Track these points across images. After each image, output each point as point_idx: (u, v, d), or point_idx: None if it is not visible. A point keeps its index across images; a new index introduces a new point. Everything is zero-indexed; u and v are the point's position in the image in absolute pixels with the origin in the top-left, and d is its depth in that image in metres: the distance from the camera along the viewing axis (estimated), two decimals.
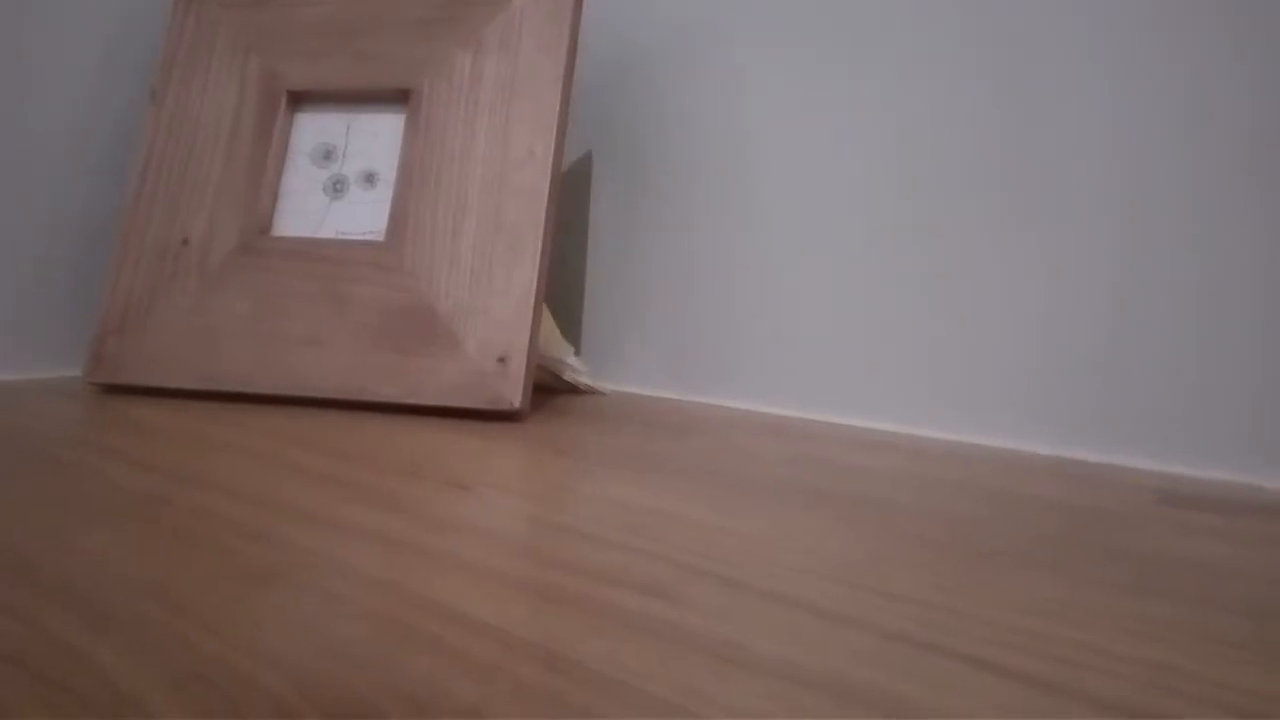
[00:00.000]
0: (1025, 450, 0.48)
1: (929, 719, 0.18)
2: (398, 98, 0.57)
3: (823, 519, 0.32)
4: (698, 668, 0.20)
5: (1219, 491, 0.40)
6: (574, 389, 0.64)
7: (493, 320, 0.51)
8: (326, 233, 0.56)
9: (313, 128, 0.58)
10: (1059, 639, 0.22)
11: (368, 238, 0.55)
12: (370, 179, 0.56)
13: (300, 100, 0.58)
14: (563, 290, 0.70)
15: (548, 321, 0.59)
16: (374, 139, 0.57)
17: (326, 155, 0.57)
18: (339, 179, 0.57)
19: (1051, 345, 0.48)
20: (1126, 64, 0.46)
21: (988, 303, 0.50)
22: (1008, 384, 0.49)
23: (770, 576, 0.26)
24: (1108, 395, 0.46)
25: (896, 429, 0.53)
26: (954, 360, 0.51)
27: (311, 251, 0.54)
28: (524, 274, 0.51)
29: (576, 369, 0.62)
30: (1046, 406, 0.48)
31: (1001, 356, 0.49)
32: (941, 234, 0.52)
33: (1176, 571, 0.28)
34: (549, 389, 0.64)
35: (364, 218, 0.56)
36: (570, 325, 0.69)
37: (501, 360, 0.50)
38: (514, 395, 0.50)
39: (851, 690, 0.19)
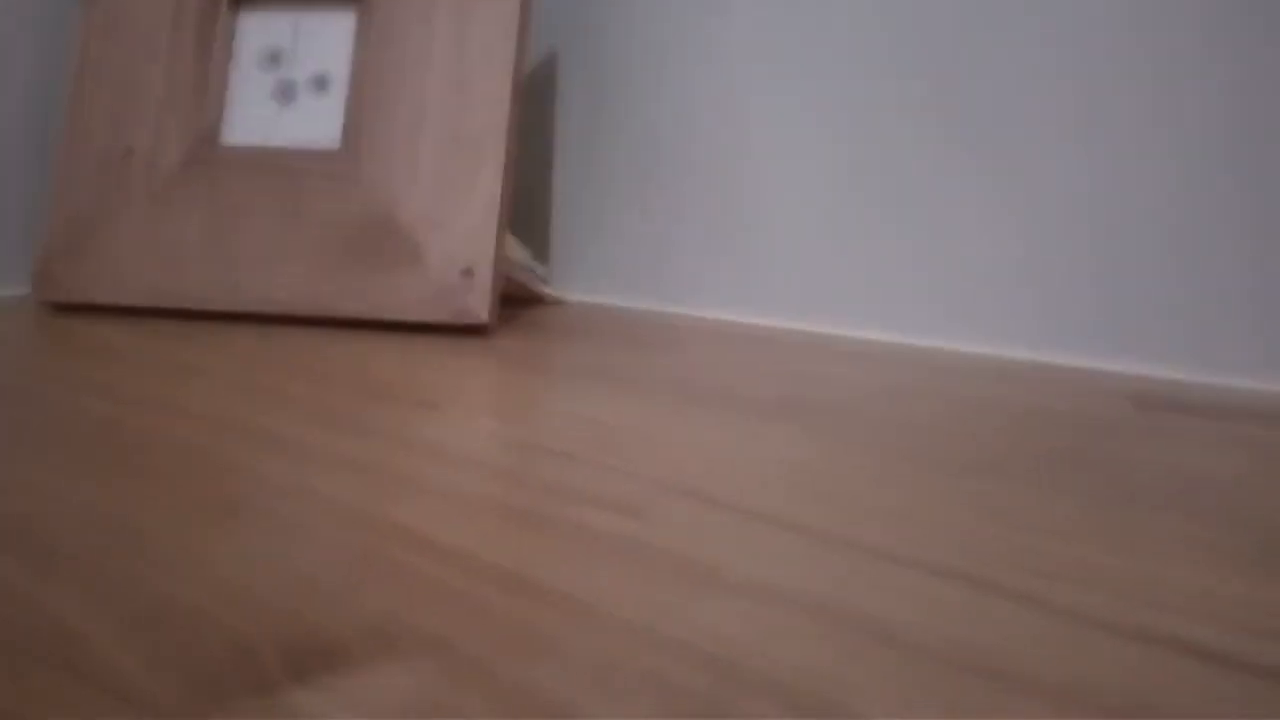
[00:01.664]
0: (1003, 355, 0.47)
1: (908, 638, 0.17)
2: None
3: (797, 432, 0.32)
4: (669, 589, 0.19)
5: (1196, 394, 0.40)
6: (541, 300, 0.63)
7: (456, 232, 0.49)
8: (278, 141, 0.53)
9: (258, 28, 0.55)
10: (1041, 551, 0.22)
11: (321, 146, 0.52)
12: (321, 84, 0.54)
13: None
14: (528, 199, 0.68)
15: (510, 235, 0.57)
16: (324, 41, 0.54)
17: (274, 58, 0.54)
18: (288, 84, 0.54)
19: (1028, 250, 0.47)
20: None
21: (963, 208, 0.49)
22: (984, 289, 0.48)
23: (744, 493, 0.25)
24: (1084, 299, 0.45)
25: (872, 336, 0.52)
26: (930, 266, 0.50)
27: (264, 162, 0.52)
28: (487, 183, 0.49)
29: (543, 279, 0.61)
30: (1023, 311, 0.47)
31: (977, 262, 0.48)
32: (917, 142, 0.50)
33: (1154, 478, 0.28)
34: (516, 300, 0.63)
35: (317, 125, 0.53)
36: (536, 235, 0.68)
37: (467, 273, 0.49)
38: (480, 309, 0.48)
39: (828, 609, 0.19)
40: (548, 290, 0.62)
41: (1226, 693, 0.16)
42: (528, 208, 0.68)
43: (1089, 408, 0.36)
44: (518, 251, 0.59)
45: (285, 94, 0.54)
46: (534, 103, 0.67)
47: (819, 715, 0.15)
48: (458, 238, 0.49)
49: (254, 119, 0.54)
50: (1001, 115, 0.47)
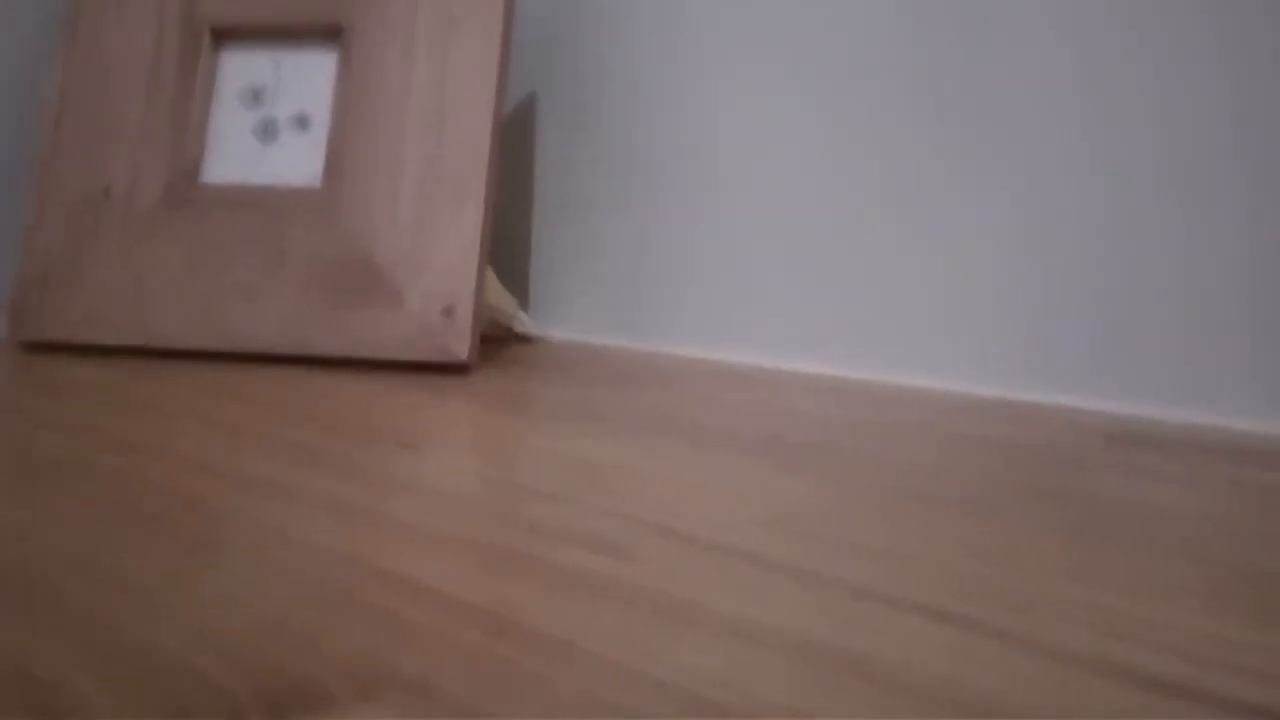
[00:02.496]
0: (976, 393, 0.48)
1: (889, 676, 0.18)
2: (328, 34, 0.54)
3: (776, 469, 0.32)
4: (652, 629, 0.19)
5: (1165, 431, 0.40)
6: (521, 338, 0.63)
7: (436, 270, 0.49)
8: (259, 179, 0.53)
9: (239, 67, 0.55)
10: (1013, 586, 0.22)
11: (302, 184, 0.52)
12: (303, 122, 0.54)
13: (225, 37, 0.55)
14: (508, 237, 0.68)
15: (488, 273, 0.58)
16: (305, 79, 0.54)
17: (255, 96, 0.55)
18: (269, 122, 0.54)
19: (999, 289, 0.48)
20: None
21: (936, 250, 0.50)
22: (957, 328, 0.49)
23: (724, 530, 0.25)
24: (1054, 336, 0.46)
25: (847, 374, 0.52)
26: (903, 305, 0.51)
27: (244, 200, 0.52)
28: (467, 221, 0.50)
29: (522, 319, 0.61)
30: (995, 349, 0.48)
31: (950, 301, 0.49)
32: (892, 182, 0.51)
33: (1126, 515, 0.28)
34: (496, 339, 0.63)
35: (298, 163, 0.53)
36: (516, 273, 0.68)
37: (447, 311, 0.49)
38: (461, 348, 0.48)
39: (810, 647, 0.19)
40: (528, 328, 0.62)
41: None
42: (507, 246, 0.68)
43: (1063, 444, 0.37)
44: (498, 289, 0.59)
45: (267, 132, 0.54)
46: (513, 142, 0.68)
47: None
48: (438, 276, 0.49)
49: (235, 157, 0.54)
50: (978, 160, 0.48)
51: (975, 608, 0.21)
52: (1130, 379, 0.44)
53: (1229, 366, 0.42)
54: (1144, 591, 0.22)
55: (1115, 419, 0.42)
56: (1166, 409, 0.43)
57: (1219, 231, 0.42)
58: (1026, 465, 0.33)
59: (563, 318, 0.65)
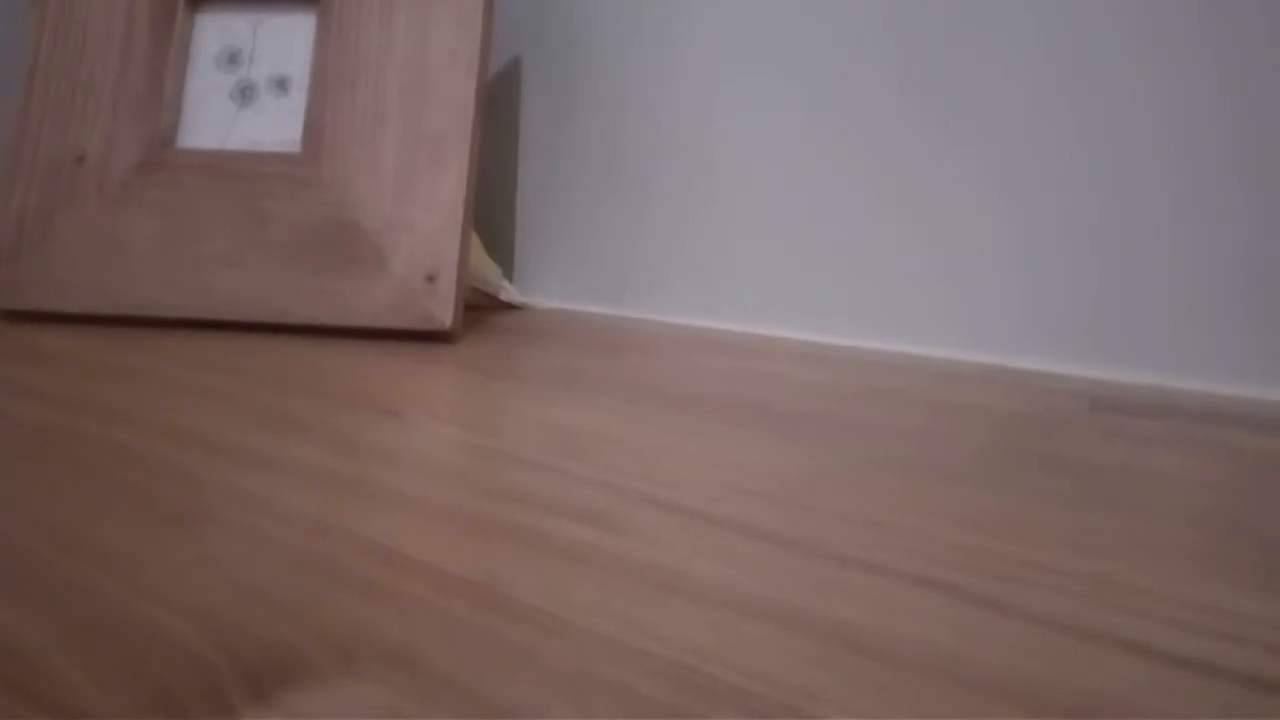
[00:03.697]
0: (961, 359, 0.48)
1: (876, 645, 0.17)
2: None
3: (763, 436, 0.32)
4: (637, 598, 0.19)
5: (1152, 397, 0.40)
6: (505, 306, 0.63)
7: (419, 236, 0.49)
8: (236, 144, 0.52)
9: (216, 29, 0.54)
10: (1004, 555, 0.22)
11: (281, 149, 0.51)
12: (282, 85, 0.53)
13: None
14: (492, 204, 0.68)
15: (474, 240, 0.57)
16: (284, 41, 0.53)
17: (232, 59, 0.53)
18: (247, 85, 0.53)
19: (985, 255, 0.47)
20: None
21: (922, 216, 0.49)
22: (942, 294, 0.49)
23: (711, 499, 0.25)
24: (1040, 303, 0.46)
25: (833, 340, 0.52)
26: (889, 272, 0.50)
27: (222, 165, 0.51)
28: (450, 186, 0.49)
29: (508, 286, 0.61)
30: (981, 315, 0.48)
31: (936, 266, 0.49)
32: (878, 146, 0.50)
33: (1114, 480, 0.28)
34: (481, 307, 0.62)
35: (276, 127, 0.52)
36: (501, 239, 0.67)
37: (430, 279, 0.48)
38: (444, 315, 0.48)
39: (796, 617, 0.18)
40: (513, 296, 0.61)
41: (1186, 692, 0.16)
42: (492, 212, 0.68)
43: (1050, 411, 0.37)
44: (482, 257, 0.58)
45: (245, 95, 0.53)
46: (498, 107, 0.67)
47: None
48: (421, 243, 0.49)
49: (212, 121, 0.53)
50: (965, 123, 0.48)
51: (965, 576, 0.21)
52: (1117, 346, 0.44)
53: (1218, 333, 0.42)
54: (1140, 559, 0.22)
55: (1102, 385, 0.42)
56: (1153, 375, 0.43)
57: (1209, 195, 0.42)
58: (1015, 432, 0.33)
59: (548, 286, 0.65)
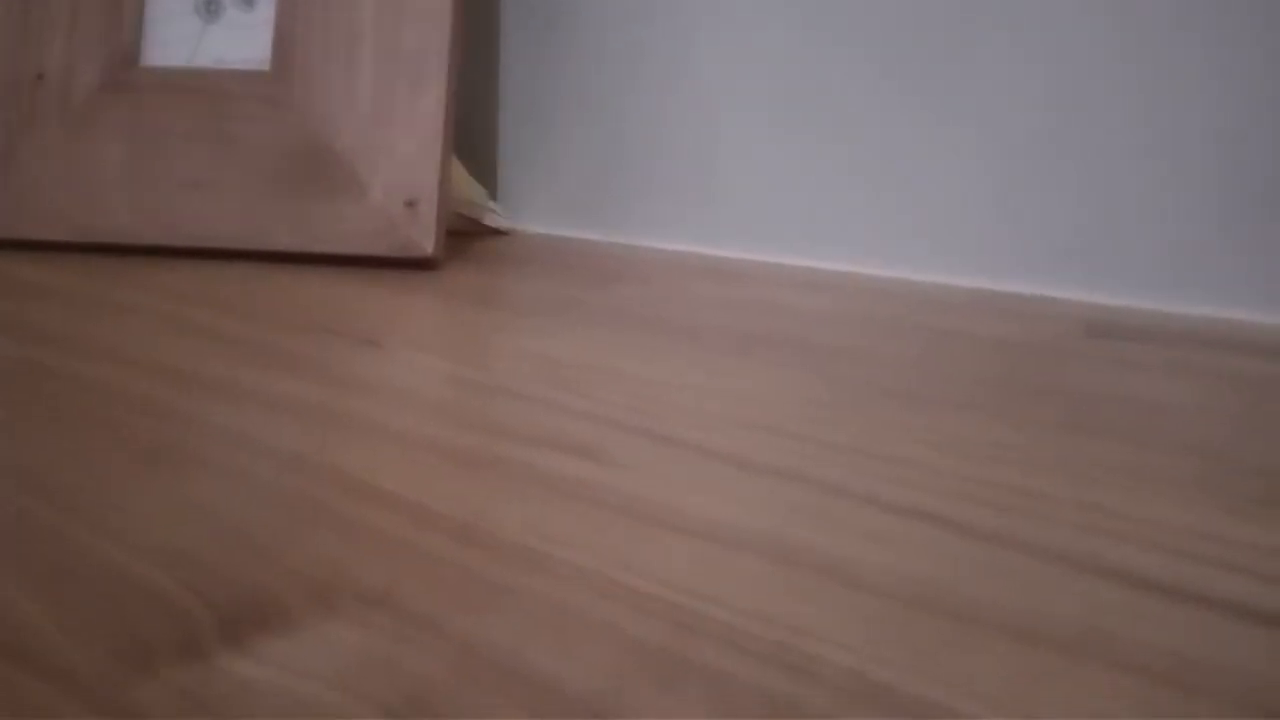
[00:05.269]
0: (951, 284, 0.47)
1: (867, 578, 0.17)
2: None
3: (756, 365, 0.31)
4: (624, 533, 0.18)
5: (1148, 322, 0.40)
6: (491, 231, 0.61)
7: (398, 159, 0.47)
8: (202, 61, 0.50)
9: None
10: (997, 484, 0.21)
11: (250, 67, 0.49)
12: None
13: None
14: (474, 126, 0.65)
15: (456, 163, 0.55)
16: None
17: None
18: None
19: (973, 177, 0.46)
20: None
21: (918, 136, 0.48)
22: (940, 218, 0.48)
23: (702, 430, 0.25)
24: (1030, 225, 0.45)
25: (829, 266, 0.51)
26: (886, 195, 0.49)
27: (188, 84, 0.49)
28: (429, 107, 0.47)
29: (493, 209, 0.59)
30: (970, 239, 0.47)
31: (933, 190, 0.48)
32: (869, 69, 0.49)
33: (1116, 408, 0.27)
34: (463, 233, 0.61)
35: (245, 44, 0.50)
36: (485, 163, 0.65)
37: (410, 204, 0.47)
38: (426, 241, 0.46)
39: (791, 551, 0.18)
40: (499, 221, 0.60)
41: (1179, 623, 0.16)
42: (474, 135, 0.66)
43: (1044, 337, 0.36)
44: (466, 180, 0.57)
45: (210, 9, 0.50)
46: (478, 26, 0.64)
47: (777, 660, 0.14)
48: (400, 166, 0.47)
49: (176, 38, 0.50)
50: (956, 43, 0.46)
51: (961, 507, 0.20)
52: (1110, 268, 0.43)
53: (1217, 254, 0.41)
54: (1138, 487, 0.21)
55: (1096, 309, 0.42)
56: (1148, 299, 0.42)
57: (1197, 114, 0.40)
58: (1010, 359, 0.33)
59: (533, 211, 0.63)
